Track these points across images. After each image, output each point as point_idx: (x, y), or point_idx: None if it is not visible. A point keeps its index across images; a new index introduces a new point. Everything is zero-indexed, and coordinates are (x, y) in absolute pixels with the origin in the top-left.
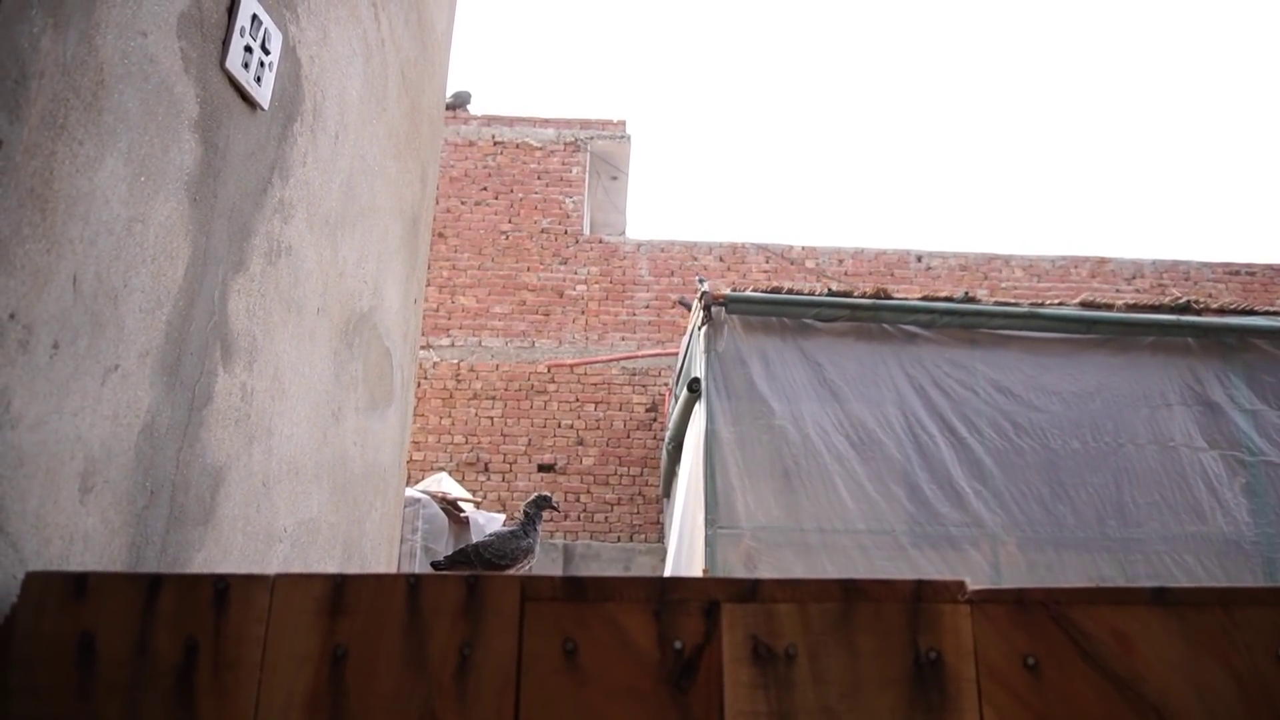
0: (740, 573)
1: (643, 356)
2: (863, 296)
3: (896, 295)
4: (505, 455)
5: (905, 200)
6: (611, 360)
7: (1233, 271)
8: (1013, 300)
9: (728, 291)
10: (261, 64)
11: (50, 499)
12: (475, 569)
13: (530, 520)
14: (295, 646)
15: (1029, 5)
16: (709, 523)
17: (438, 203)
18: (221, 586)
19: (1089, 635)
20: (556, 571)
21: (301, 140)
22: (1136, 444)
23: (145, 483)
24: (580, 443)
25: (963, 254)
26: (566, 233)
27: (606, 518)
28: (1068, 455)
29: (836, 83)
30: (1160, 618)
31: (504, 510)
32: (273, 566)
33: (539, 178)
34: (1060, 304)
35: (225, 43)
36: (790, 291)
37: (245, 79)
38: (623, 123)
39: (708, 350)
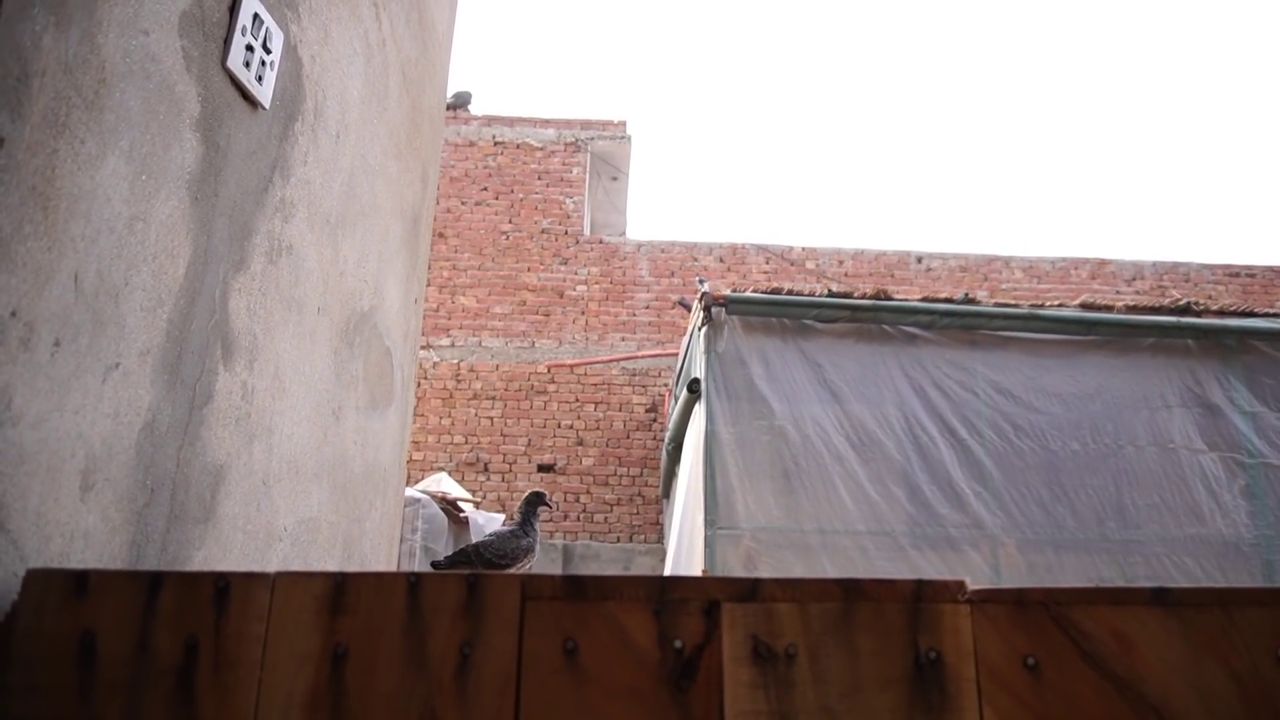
0: (740, 573)
1: (643, 357)
2: (863, 297)
3: (896, 296)
4: (505, 455)
5: (905, 201)
6: (611, 361)
7: (1233, 273)
8: (1013, 301)
9: (728, 292)
10: (263, 63)
11: (51, 496)
12: (475, 569)
13: (528, 519)
14: (296, 645)
15: (1029, 6)
16: (709, 523)
17: (438, 203)
18: (222, 585)
19: (1089, 635)
20: (556, 572)
21: (303, 139)
22: (1136, 446)
23: (146, 481)
24: (580, 443)
25: (963, 255)
26: (567, 233)
27: (606, 518)
28: (1067, 457)
29: (837, 84)
30: (1160, 618)
31: (503, 510)
32: (273, 565)
33: (539, 178)
34: (1060, 305)
35: (227, 42)
36: (790, 292)
37: (246, 78)
38: (623, 123)
39: (708, 351)
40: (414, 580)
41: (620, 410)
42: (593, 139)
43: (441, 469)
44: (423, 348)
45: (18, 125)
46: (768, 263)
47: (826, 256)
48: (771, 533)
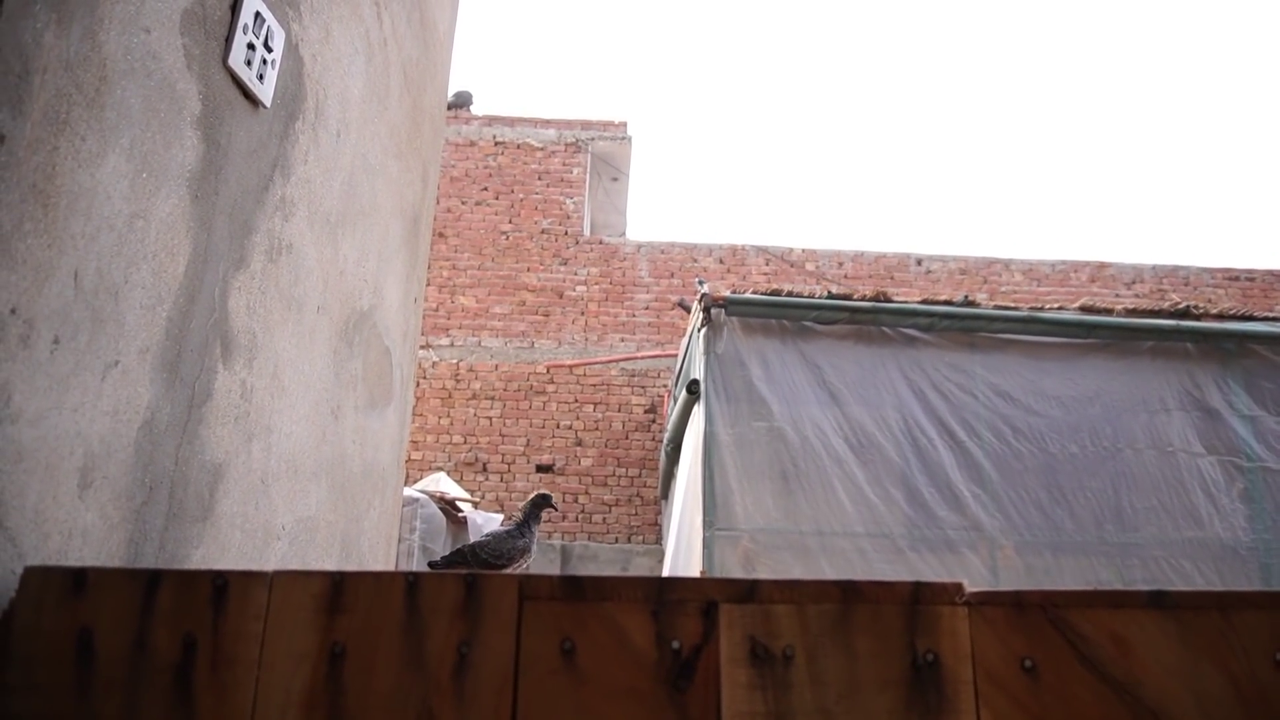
0: (738, 575)
1: (642, 358)
2: (862, 299)
3: (896, 298)
4: (504, 455)
5: (905, 204)
6: (611, 361)
7: (1232, 277)
8: (1012, 304)
9: (727, 294)
10: (264, 61)
11: (49, 494)
12: (471, 568)
13: (528, 520)
14: (293, 644)
15: (1030, 9)
16: (707, 524)
17: (438, 202)
18: (220, 583)
19: (1086, 638)
20: (554, 572)
21: (303, 138)
22: (1135, 449)
23: (144, 479)
24: (579, 443)
25: (963, 258)
26: (567, 233)
27: (604, 519)
28: (1066, 460)
29: (837, 86)
30: (1158, 621)
31: (502, 510)
32: (271, 564)
33: (540, 178)
34: (1060, 308)
35: (228, 40)
36: (790, 294)
37: (248, 76)
38: (624, 124)
39: (707, 352)
40: (412, 580)
41: (619, 411)
42: (593, 139)
43: (440, 469)
44: (422, 347)
45: (19, 122)
46: (767, 264)
47: (826, 258)
48: (770, 534)
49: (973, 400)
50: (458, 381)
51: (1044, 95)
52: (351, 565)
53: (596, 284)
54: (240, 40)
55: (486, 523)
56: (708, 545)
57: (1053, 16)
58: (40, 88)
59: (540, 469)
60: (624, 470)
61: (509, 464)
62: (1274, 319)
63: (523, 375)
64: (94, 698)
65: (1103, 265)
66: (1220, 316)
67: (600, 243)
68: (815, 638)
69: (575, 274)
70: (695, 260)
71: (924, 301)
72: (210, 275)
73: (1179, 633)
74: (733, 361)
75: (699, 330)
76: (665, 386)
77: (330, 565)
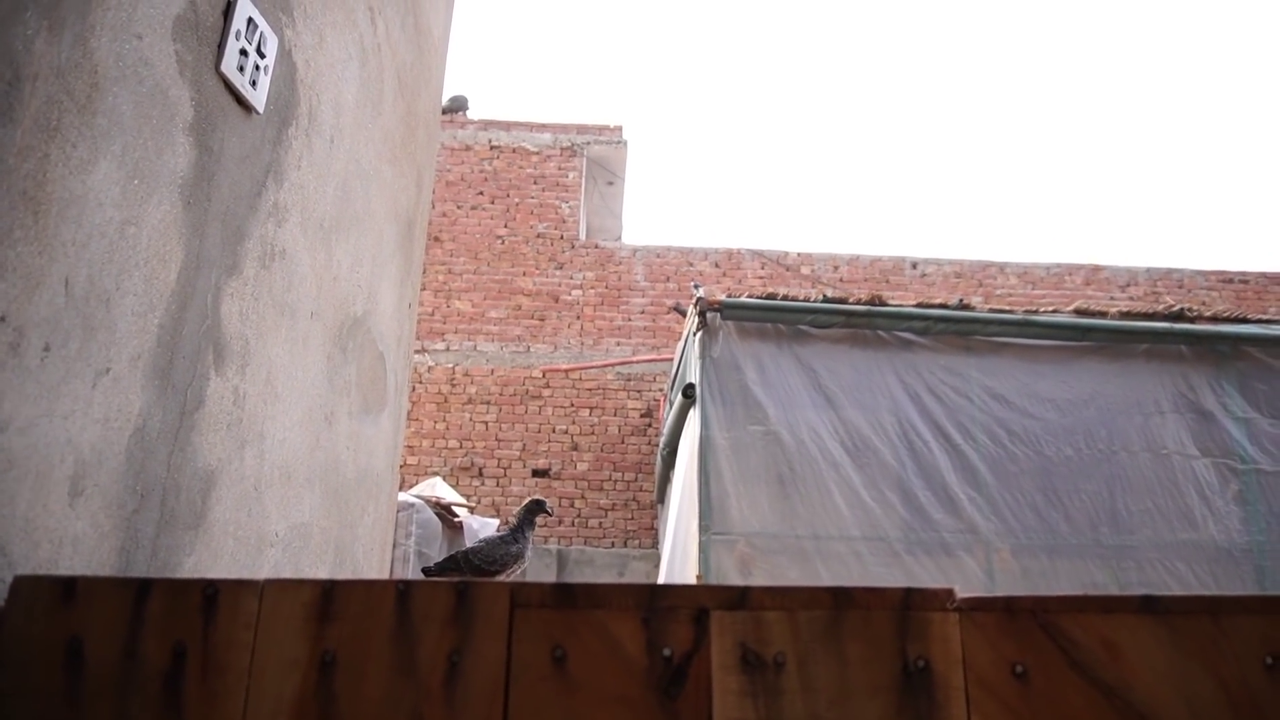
0: (734, 578)
1: (638, 362)
2: (858, 303)
3: (891, 302)
4: (500, 460)
5: (901, 207)
6: (607, 365)
7: (1226, 279)
8: (1007, 307)
9: (723, 297)
10: (257, 67)
11: (40, 503)
12: (464, 574)
13: (522, 526)
14: (284, 652)
15: (1025, 14)
16: (703, 528)
17: (434, 207)
18: (211, 592)
19: (1077, 643)
20: (550, 577)
21: (296, 144)
22: (1130, 451)
23: (136, 486)
24: (575, 448)
25: (958, 261)
26: (562, 238)
27: (601, 523)
28: (1061, 462)
29: (833, 90)
30: (1149, 626)
31: (498, 515)
32: (264, 571)
33: (535, 182)
34: (1054, 311)
35: (221, 46)
36: (785, 298)
37: (240, 82)
38: (619, 128)
39: (703, 356)
40: (403, 588)
41: (615, 415)
42: (589, 144)
43: (436, 473)
44: (418, 352)
45: (9, 129)
46: (763, 268)
47: (822, 262)
48: (766, 538)
49: (968, 403)
50: (453, 386)
51: (1038, 99)
52: (346, 572)
53: (592, 288)
54: (233, 46)
55: (482, 528)
56: (704, 549)
57: (1048, 20)
58: (31, 95)
59: (536, 473)
60: (620, 474)
61: (505, 469)
62: (1268, 321)
63: (518, 379)
64: (84, 706)
65: (1097, 268)
66: (1214, 319)
67: (596, 247)
68: (806, 644)
69: (571, 278)
70: (691, 264)
71: (919, 305)
72: (203, 282)
73: (1170, 637)
74: (728, 365)
75: (694, 334)
76: (661, 390)
77: (324, 572)
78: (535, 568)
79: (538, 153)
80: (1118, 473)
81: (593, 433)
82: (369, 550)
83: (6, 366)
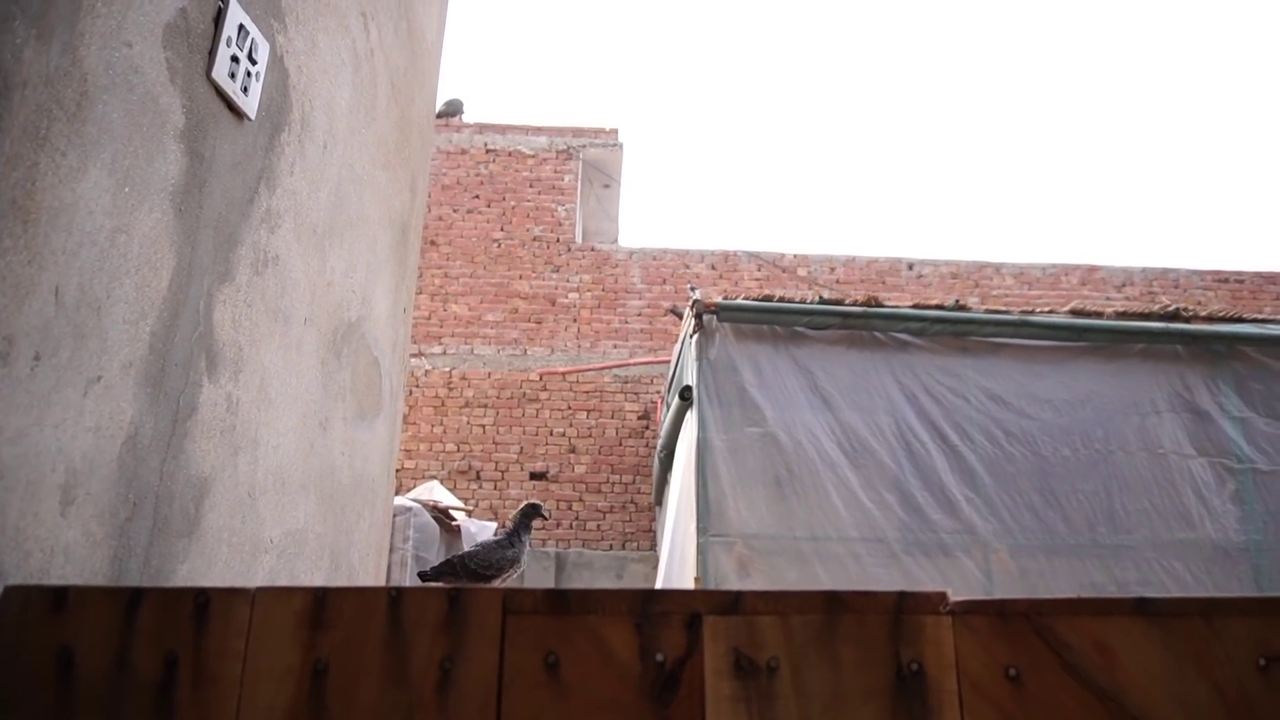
0: (733, 580)
1: (635, 364)
2: (854, 304)
3: (888, 303)
4: (497, 463)
5: (897, 208)
6: (604, 368)
7: (1222, 279)
8: (1003, 308)
9: (719, 299)
10: (248, 74)
11: (30, 512)
12: (461, 579)
13: (518, 530)
14: (276, 661)
15: (1019, 16)
16: (701, 530)
17: (430, 210)
18: (202, 600)
19: (1070, 646)
20: (549, 580)
21: (289, 150)
22: (1126, 451)
23: (128, 495)
24: (572, 450)
25: (954, 262)
26: (559, 240)
27: (599, 526)
28: (1058, 462)
29: (829, 91)
30: (1142, 628)
31: (496, 519)
32: (259, 578)
33: (531, 186)
34: (1051, 312)
35: (212, 53)
36: (782, 299)
37: (232, 89)
38: (615, 131)
39: (699, 358)
40: (395, 595)
41: (613, 418)
42: (584, 147)
43: (434, 477)
44: (415, 355)
45: None
46: (759, 270)
47: (818, 263)
48: (764, 539)
49: (965, 404)
50: (450, 390)
51: (1034, 100)
52: (341, 577)
53: (589, 291)
54: (224, 53)
55: (480, 531)
56: (702, 551)
57: (1041, 21)
58: (19, 104)
59: (534, 476)
60: (618, 477)
61: (502, 472)
62: (1263, 321)
63: (516, 383)
64: (75, 717)
65: (1093, 268)
66: (1210, 319)
67: (592, 250)
68: (800, 649)
69: (567, 281)
70: (687, 266)
71: (915, 306)
72: (195, 289)
73: (1163, 639)
74: (725, 367)
75: (691, 336)
76: (658, 393)
77: (320, 578)
78: (534, 571)
79: (533, 156)
80: (1115, 473)
81: (590, 435)
82: (365, 555)
83: None
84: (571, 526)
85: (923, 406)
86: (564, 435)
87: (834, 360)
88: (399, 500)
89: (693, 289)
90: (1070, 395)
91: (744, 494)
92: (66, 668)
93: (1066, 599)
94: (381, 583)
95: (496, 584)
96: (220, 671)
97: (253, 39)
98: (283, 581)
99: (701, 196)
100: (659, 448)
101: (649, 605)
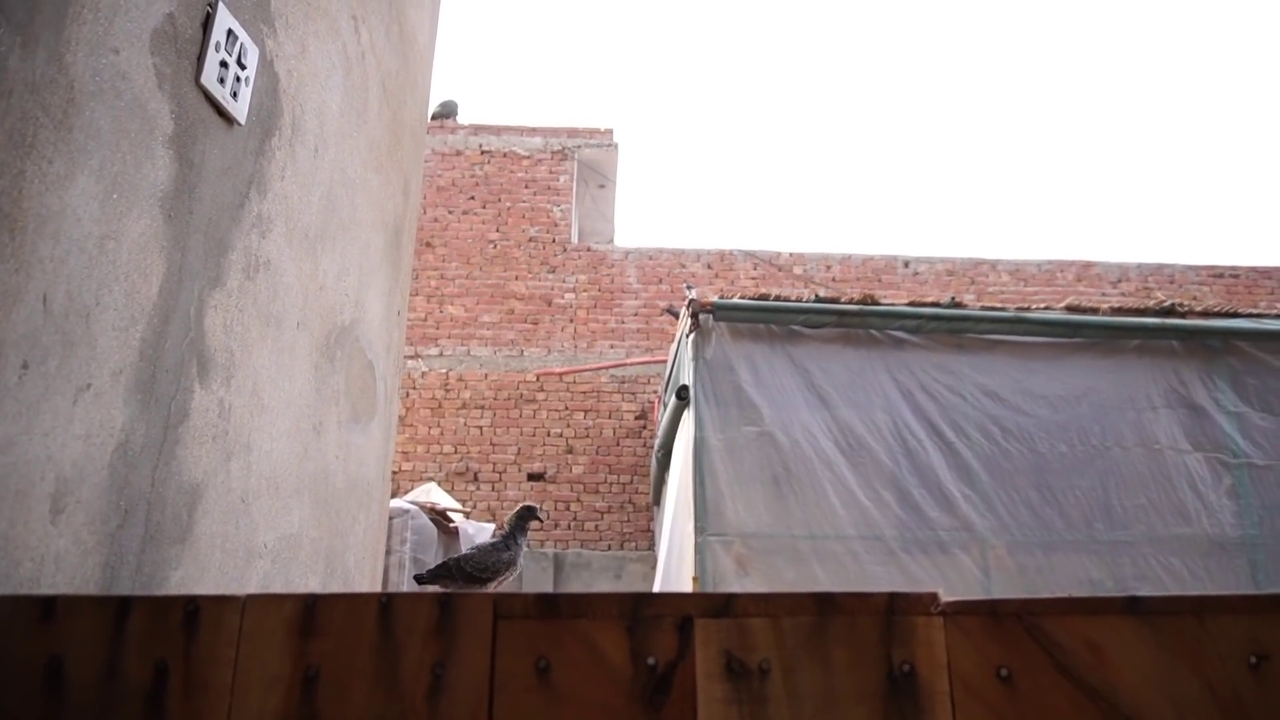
0: (731, 580)
1: (631, 364)
2: (850, 303)
3: (884, 301)
4: (494, 464)
5: (892, 206)
6: (600, 368)
7: (1217, 274)
8: (999, 305)
9: (715, 299)
10: (238, 79)
11: (20, 521)
12: (457, 582)
13: (514, 532)
14: (266, 668)
15: (1013, 13)
16: (699, 530)
17: (425, 212)
18: (192, 608)
19: (1062, 646)
20: (547, 581)
21: (280, 154)
22: (1123, 447)
23: (119, 502)
24: (570, 451)
25: (949, 259)
26: (554, 241)
27: (597, 526)
28: (1055, 459)
29: (823, 90)
30: (1133, 627)
31: (494, 520)
32: (252, 583)
33: (526, 186)
34: (1046, 308)
35: (200, 58)
36: (778, 298)
37: (221, 94)
38: (610, 131)
39: (696, 358)
40: (385, 601)
41: (610, 418)
42: (580, 147)
43: (431, 479)
44: (411, 357)
45: None
46: (755, 269)
47: (814, 262)
48: (762, 538)
49: (961, 401)
50: (447, 391)
51: (1028, 96)
52: (337, 581)
53: (585, 291)
54: (213, 58)
55: (478, 533)
56: (700, 550)
57: (1036, 18)
58: (5, 112)
59: (532, 477)
60: (615, 477)
61: (500, 473)
62: (1258, 315)
63: (512, 384)
64: None
65: (1088, 265)
66: (1205, 314)
67: (588, 250)
68: (791, 651)
69: (563, 281)
70: (683, 266)
71: (911, 303)
72: (185, 294)
73: (1154, 638)
74: (722, 366)
75: (687, 336)
76: (655, 392)
77: (314, 582)
78: (532, 572)
79: (529, 157)
80: (1111, 468)
81: (587, 436)
82: (361, 559)
83: None
84: (569, 527)
85: (919, 404)
86: (561, 436)
87: (830, 359)
88: (396, 503)
89: (689, 288)
90: (1066, 391)
91: (741, 493)
92: (56, 677)
93: (1058, 598)
94: (377, 586)
95: (493, 587)
96: (211, 679)
97: (242, 44)
98: (277, 587)
99: (697, 196)
100: (656, 447)
101: (640, 608)
